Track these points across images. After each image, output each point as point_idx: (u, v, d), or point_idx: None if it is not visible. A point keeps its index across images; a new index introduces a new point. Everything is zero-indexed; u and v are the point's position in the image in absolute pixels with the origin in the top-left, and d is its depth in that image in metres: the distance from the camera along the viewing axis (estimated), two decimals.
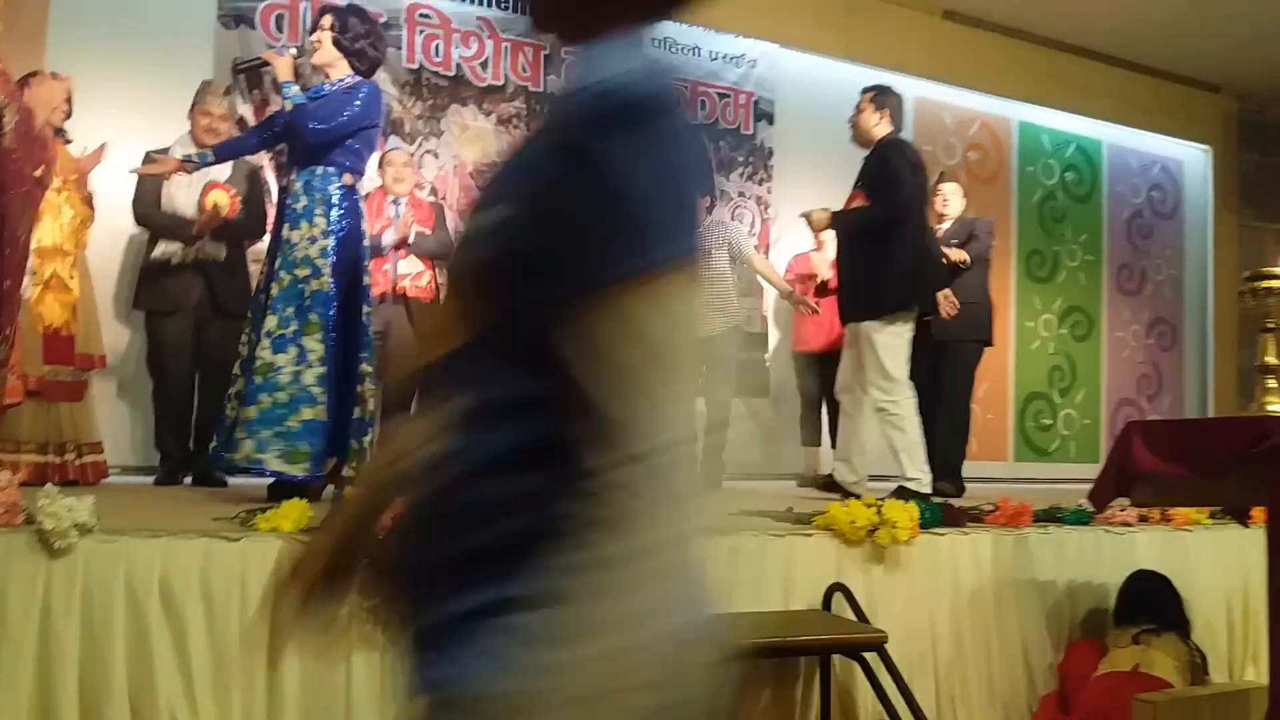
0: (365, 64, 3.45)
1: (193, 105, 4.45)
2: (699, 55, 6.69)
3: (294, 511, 2.46)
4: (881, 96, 4.33)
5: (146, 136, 4.43)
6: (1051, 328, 8.04)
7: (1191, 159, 8.87)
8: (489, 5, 6.06)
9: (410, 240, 4.81)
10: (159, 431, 4.40)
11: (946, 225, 5.25)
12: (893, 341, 4.10)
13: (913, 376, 5.21)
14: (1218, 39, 7.80)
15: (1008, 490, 4.72)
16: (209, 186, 4.30)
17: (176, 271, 4.27)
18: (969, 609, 3.16)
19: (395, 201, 4.91)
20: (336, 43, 3.38)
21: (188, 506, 3.13)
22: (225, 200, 4.27)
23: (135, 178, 4.23)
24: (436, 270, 5.08)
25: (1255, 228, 8.81)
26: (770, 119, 6.92)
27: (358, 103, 3.34)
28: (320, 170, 3.32)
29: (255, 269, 4.24)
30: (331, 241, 3.28)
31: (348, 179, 3.36)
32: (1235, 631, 3.69)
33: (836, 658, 2.85)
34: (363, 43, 3.41)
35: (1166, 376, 8.65)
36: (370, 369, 3.38)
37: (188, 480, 4.25)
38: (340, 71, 3.41)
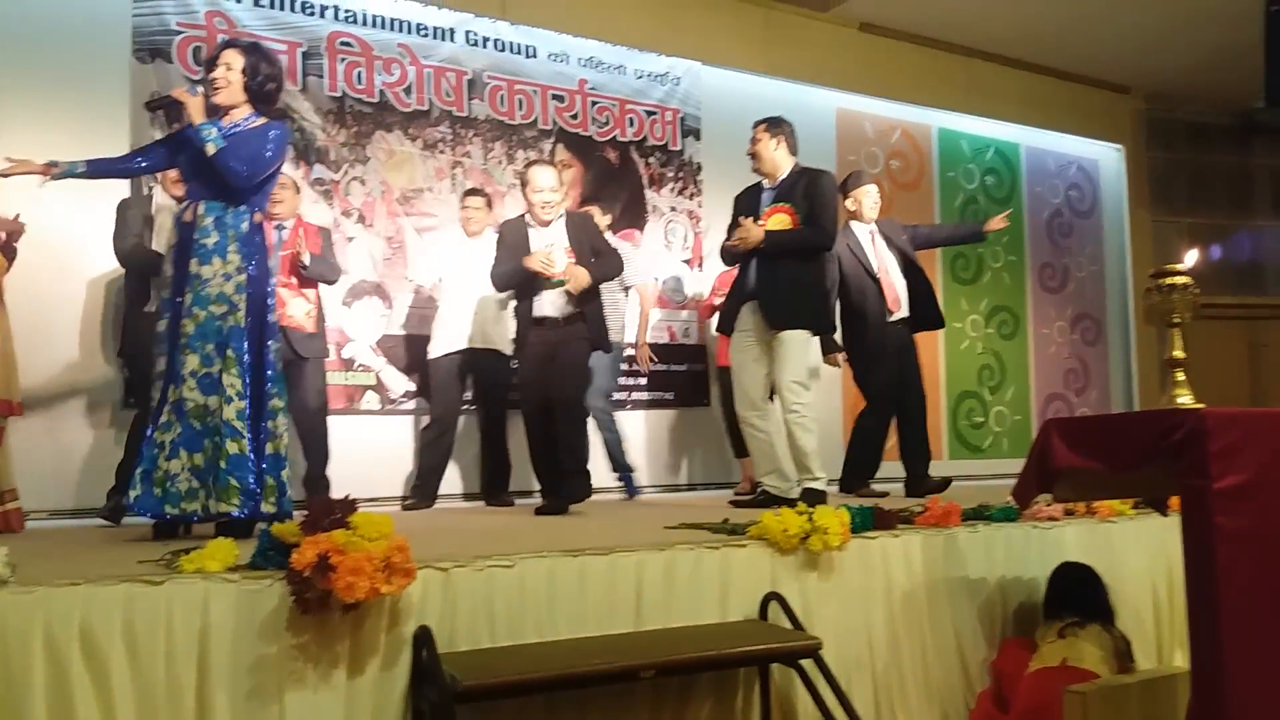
0: (269, 106, 3.44)
1: None
2: (624, 73, 6.75)
3: (220, 551, 2.41)
4: (775, 126, 4.45)
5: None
6: (979, 327, 8.21)
7: (1106, 158, 9.14)
8: (410, 32, 6.05)
9: (307, 264, 4.76)
10: (122, 469, 4.32)
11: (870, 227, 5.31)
12: (808, 349, 4.29)
13: (882, 383, 5.23)
14: (1125, 41, 8.06)
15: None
16: None
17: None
18: (903, 611, 3.20)
19: (279, 226, 4.83)
20: (247, 87, 3.36)
21: (110, 550, 3.06)
22: None
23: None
24: (320, 298, 5.02)
25: (1167, 223, 9.10)
26: (697, 135, 7.00)
27: (273, 144, 3.33)
28: (232, 208, 3.29)
29: None
30: (245, 278, 3.26)
31: (257, 216, 3.36)
32: (1162, 618, 3.78)
33: (775, 666, 2.87)
34: (270, 85, 3.41)
35: (1093, 370, 8.88)
36: (280, 404, 3.34)
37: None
38: (244, 111, 3.39)
